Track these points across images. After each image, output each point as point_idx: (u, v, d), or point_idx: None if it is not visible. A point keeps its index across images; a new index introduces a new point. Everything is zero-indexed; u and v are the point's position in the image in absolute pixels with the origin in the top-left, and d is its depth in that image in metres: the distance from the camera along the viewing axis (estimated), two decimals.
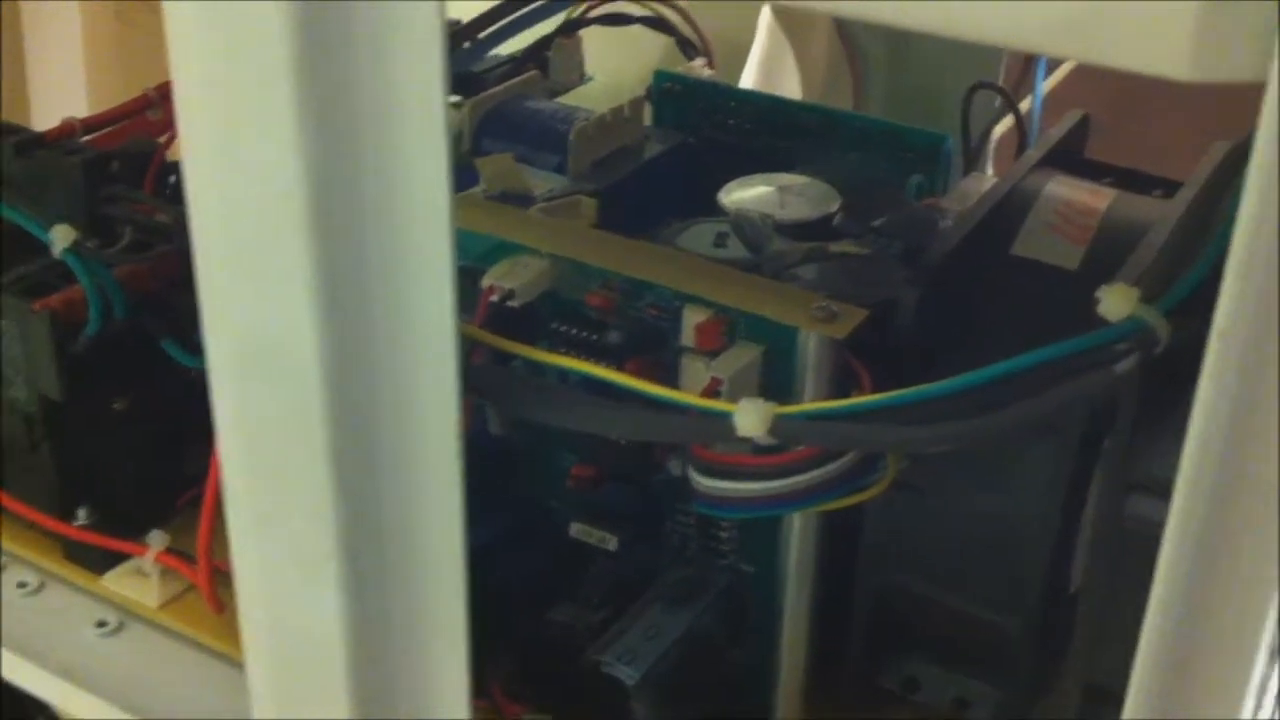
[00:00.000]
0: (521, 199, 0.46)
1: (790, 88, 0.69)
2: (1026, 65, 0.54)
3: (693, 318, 0.37)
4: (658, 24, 0.60)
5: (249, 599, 0.36)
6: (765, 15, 0.67)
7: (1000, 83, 0.55)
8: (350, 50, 0.29)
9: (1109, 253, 0.37)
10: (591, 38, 0.60)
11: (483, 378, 0.33)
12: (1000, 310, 0.37)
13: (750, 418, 0.30)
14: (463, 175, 0.47)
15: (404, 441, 0.32)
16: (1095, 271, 0.37)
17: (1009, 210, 0.39)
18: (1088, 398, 0.29)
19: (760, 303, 0.36)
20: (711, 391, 0.35)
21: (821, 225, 0.43)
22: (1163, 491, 0.27)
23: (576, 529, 0.40)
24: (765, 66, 0.70)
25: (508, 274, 0.38)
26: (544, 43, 0.57)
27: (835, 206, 0.44)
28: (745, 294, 0.37)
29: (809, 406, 0.31)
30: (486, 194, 0.46)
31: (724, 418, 0.30)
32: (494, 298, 0.38)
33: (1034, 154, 0.41)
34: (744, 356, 0.36)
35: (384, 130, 0.29)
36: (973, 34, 0.24)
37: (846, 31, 0.57)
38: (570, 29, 0.58)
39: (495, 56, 0.58)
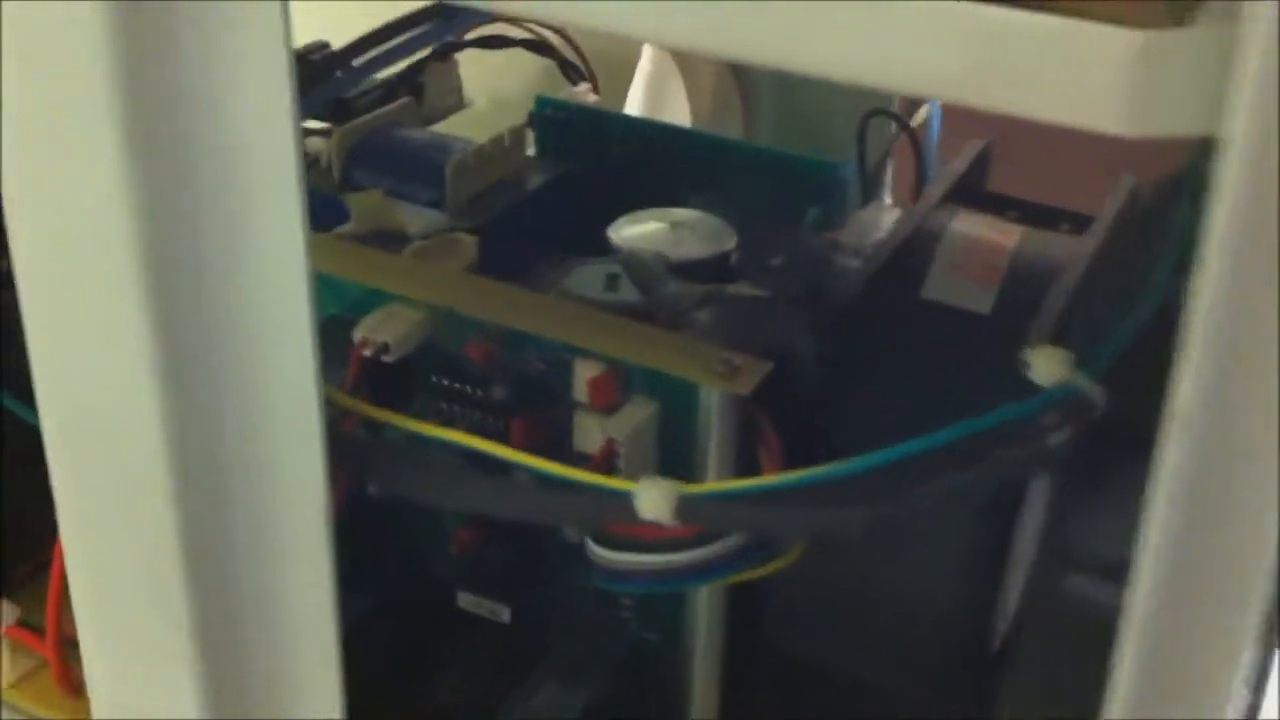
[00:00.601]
0: (395, 238, 0.43)
1: (678, 113, 0.66)
2: None
3: (585, 372, 0.34)
4: (538, 47, 0.57)
5: (97, 689, 0.33)
6: None
7: (895, 106, 0.53)
8: (182, 76, 0.25)
9: (1022, 295, 0.35)
10: (469, 62, 0.57)
11: (353, 449, 0.30)
12: (912, 358, 0.34)
13: (653, 498, 0.27)
14: (332, 210, 0.44)
15: (264, 521, 0.29)
16: (1009, 315, 0.35)
17: (915, 251, 0.37)
18: (1019, 473, 0.26)
19: (657, 356, 0.33)
20: (608, 453, 0.33)
21: (717, 264, 0.41)
22: (1103, 571, 0.25)
23: (465, 600, 0.37)
24: (650, 92, 0.68)
25: (381, 326, 0.35)
26: (418, 67, 0.54)
27: (731, 244, 0.42)
28: (640, 346, 0.34)
29: (716, 486, 0.29)
30: (357, 233, 0.43)
31: (624, 497, 0.27)
32: (367, 351, 0.35)
33: (936, 188, 0.39)
34: (641, 414, 0.34)
35: (226, 167, 0.26)
36: (876, 80, 0.22)
37: None
38: (446, 52, 0.55)
39: (368, 81, 0.54)
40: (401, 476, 0.30)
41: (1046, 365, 0.25)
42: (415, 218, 0.45)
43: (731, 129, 0.56)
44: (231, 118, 0.25)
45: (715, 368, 0.33)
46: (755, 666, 0.36)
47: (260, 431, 0.28)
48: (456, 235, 0.43)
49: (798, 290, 0.39)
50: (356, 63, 0.45)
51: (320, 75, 0.47)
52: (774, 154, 0.47)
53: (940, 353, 0.34)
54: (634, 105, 0.67)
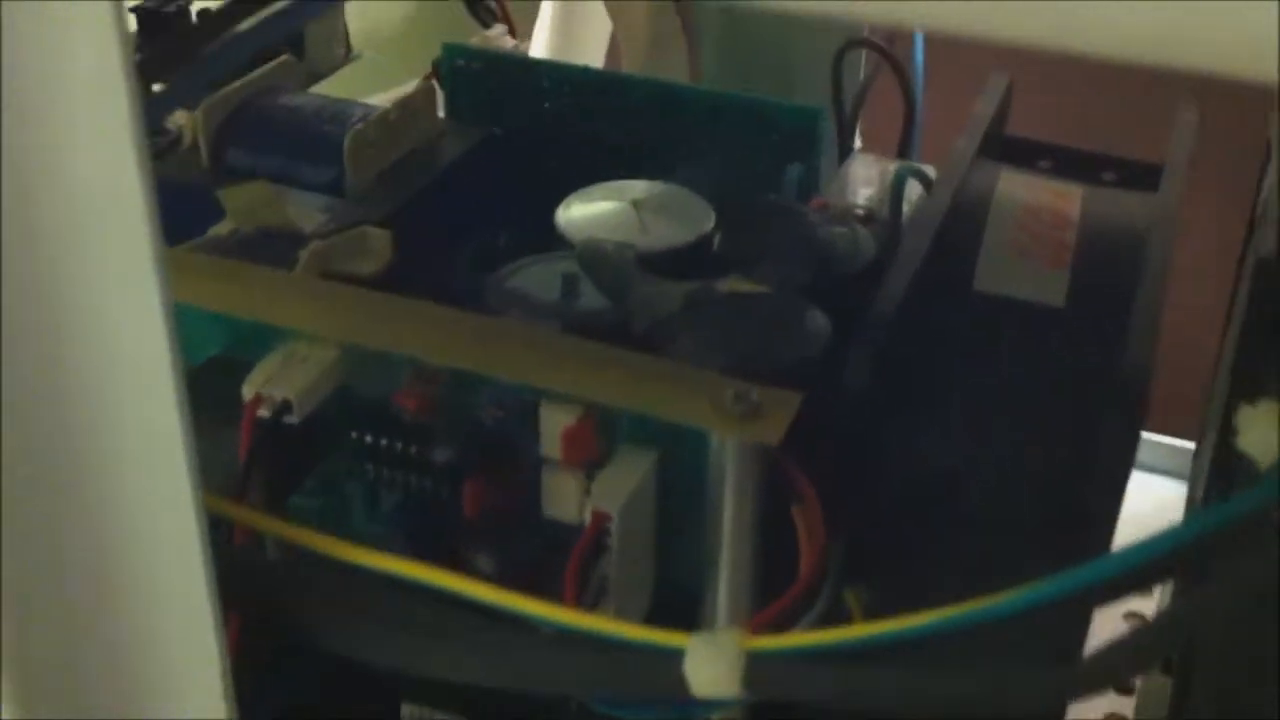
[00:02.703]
0: (286, 238, 0.34)
1: (592, 55, 0.57)
2: None
3: (556, 420, 0.26)
4: None
5: None
6: None
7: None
8: None
9: (1103, 277, 0.27)
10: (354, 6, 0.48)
11: (253, 581, 0.21)
12: (972, 376, 0.27)
13: (709, 668, 0.19)
14: (202, 206, 0.35)
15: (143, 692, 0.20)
16: (1090, 306, 0.27)
17: (959, 229, 0.29)
18: (1246, 609, 0.18)
19: (649, 394, 0.25)
20: (596, 531, 0.25)
21: (697, 252, 0.33)
22: None
23: (411, 713, 0.29)
24: (562, 26, 0.59)
25: (278, 376, 0.26)
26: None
27: (709, 224, 0.34)
28: (625, 382, 0.26)
29: (803, 640, 0.20)
30: (237, 235, 0.34)
31: (666, 661, 0.19)
32: (262, 413, 0.26)
33: (967, 142, 0.32)
34: (634, 470, 0.26)
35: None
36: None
37: None
38: None
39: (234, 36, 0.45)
40: (345, 637, 0.21)
41: (1266, 430, 0.17)
42: (309, 210, 0.36)
43: (673, 71, 0.47)
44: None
45: (728, 407, 0.25)
46: None
47: (116, 569, 0.20)
48: (364, 230, 0.34)
49: (804, 280, 0.31)
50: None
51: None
52: (740, 100, 0.39)
53: (1009, 364, 0.27)
54: (538, 49, 0.58)
